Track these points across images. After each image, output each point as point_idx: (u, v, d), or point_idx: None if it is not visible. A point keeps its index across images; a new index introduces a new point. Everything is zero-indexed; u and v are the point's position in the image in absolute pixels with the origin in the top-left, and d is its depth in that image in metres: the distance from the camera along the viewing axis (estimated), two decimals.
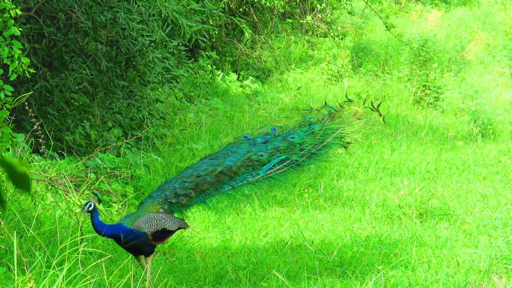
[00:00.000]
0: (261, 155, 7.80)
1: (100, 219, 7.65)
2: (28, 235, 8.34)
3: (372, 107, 8.27)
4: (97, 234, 7.66)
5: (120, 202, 10.15)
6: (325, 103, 8.50)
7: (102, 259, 7.71)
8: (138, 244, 7.56)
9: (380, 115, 8.31)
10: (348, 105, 8.30)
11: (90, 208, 7.58)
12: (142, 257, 7.72)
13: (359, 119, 8.28)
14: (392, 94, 18.85)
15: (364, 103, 8.31)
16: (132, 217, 7.64)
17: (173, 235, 8.10)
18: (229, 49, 19.46)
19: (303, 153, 7.97)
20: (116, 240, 7.61)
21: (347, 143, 8.22)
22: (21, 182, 3.24)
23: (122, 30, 11.57)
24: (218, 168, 7.75)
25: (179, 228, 7.65)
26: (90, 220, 7.95)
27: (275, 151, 7.83)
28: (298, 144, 7.94)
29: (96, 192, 8.12)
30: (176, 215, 7.76)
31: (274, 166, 7.77)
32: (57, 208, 9.13)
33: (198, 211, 10.63)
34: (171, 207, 7.72)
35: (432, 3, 29.03)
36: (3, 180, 8.53)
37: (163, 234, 7.59)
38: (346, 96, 8.47)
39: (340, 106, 8.28)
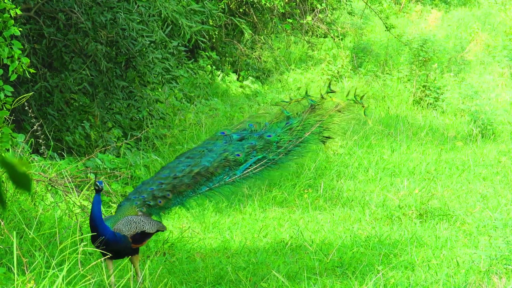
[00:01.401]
0: (238, 155, 7.68)
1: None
2: (29, 236, 8.34)
3: (355, 99, 7.95)
4: (91, 215, 7.50)
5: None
6: (306, 93, 8.18)
7: (102, 259, 7.70)
8: (119, 247, 7.50)
9: (363, 106, 7.93)
10: (331, 97, 7.97)
11: (102, 186, 7.48)
12: (136, 257, 7.65)
13: (340, 111, 7.98)
14: (392, 94, 18.85)
15: (347, 95, 8.00)
16: (112, 220, 7.59)
17: (167, 237, 8.08)
18: (229, 49, 19.46)
19: (280, 150, 7.77)
20: (96, 238, 7.51)
21: (326, 137, 7.94)
22: (22, 181, 3.24)
23: (122, 30, 11.57)
24: (195, 169, 7.65)
25: (157, 231, 7.59)
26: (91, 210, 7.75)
27: (251, 150, 7.69)
28: (274, 142, 7.76)
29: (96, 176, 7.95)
30: (154, 217, 7.71)
31: (251, 165, 7.65)
32: (57, 209, 9.13)
33: (199, 211, 10.63)
34: (149, 210, 7.67)
35: (432, 4, 29.03)
36: (3, 181, 8.53)
37: (142, 237, 7.53)
38: (329, 87, 8.07)
39: (322, 97, 7.98)
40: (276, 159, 7.76)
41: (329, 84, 8.22)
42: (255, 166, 7.68)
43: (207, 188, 7.68)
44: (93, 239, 7.53)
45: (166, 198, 7.70)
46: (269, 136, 7.82)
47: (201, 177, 7.66)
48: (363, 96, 8.00)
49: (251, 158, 7.70)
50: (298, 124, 7.82)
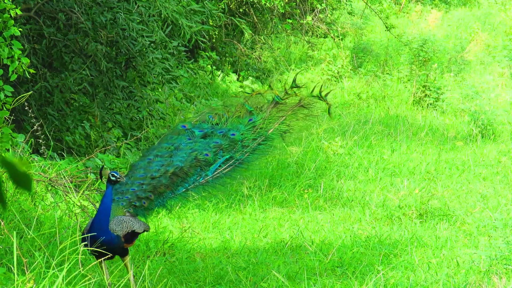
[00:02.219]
0: (207, 155, 7.61)
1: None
2: (29, 236, 8.34)
3: (319, 96, 7.81)
4: (101, 207, 7.39)
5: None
6: (270, 86, 7.99)
7: (102, 259, 7.70)
8: (114, 247, 7.47)
9: (327, 104, 7.78)
10: (295, 92, 7.82)
11: (116, 177, 7.36)
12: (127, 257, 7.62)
13: (303, 106, 7.85)
14: (392, 94, 18.85)
15: (312, 91, 7.85)
16: None
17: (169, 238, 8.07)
18: (229, 49, 19.46)
19: (246, 150, 7.69)
20: (96, 238, 7.44)
21: (284, 132, 7.80)
22: (22, 181, 3.24)
23: (122, 30, 11.58)
24: (170, 169, 7.60)
25: (144, 231, 7.57)
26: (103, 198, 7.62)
27: (218, 150, 7.62)
28: (239, 141, 7.67)
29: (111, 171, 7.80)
30: (140, 218, 7.70)
31: (220, 166, 7.58)
32: (57, 209, 9.13)
33: (198, 211, 10.63)
34: (136, 210, 7.64)
35: (432, 4, 29.03)
36: (3, 181, 8.52)
37: (132, 237, 7.50)
38: (294, 81, 7.87)
39: (286, 92, 7.83)
40: (243, 158, 7.69)
41: (295, 78, 8.01)
42: (225, 167, 7.62)
43: (184, 189, 7.66)
44: (92, 240, 7.45)
45: (149, 199, 7.66)
46: (233, 134, 7.73)
47: (177, 178, 7.60)
48: (328, 93, 7.85)
49: (219, 158, 7.63)
50: (261, 122, 7.70)
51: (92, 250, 7.45)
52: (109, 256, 7.52)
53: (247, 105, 7.78)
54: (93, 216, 7.60)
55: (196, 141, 7.66)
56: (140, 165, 7.78)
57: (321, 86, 8.07)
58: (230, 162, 7.63)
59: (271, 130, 7.69)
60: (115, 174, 7.40)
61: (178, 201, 7.80)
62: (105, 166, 7.59)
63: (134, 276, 7.69)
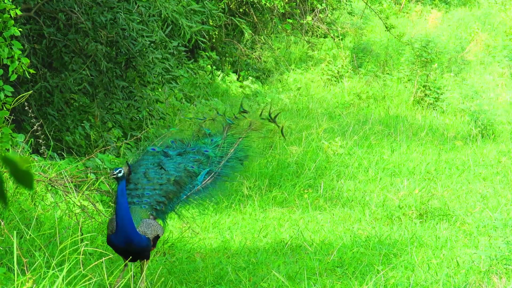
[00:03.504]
0: (192, 167, 7.87)
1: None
2: (28, 237, 8.34)
3: (269, 118, 8.02)
4: (115, 203, 7.36)
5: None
6: (217, 112, 8.27)
7: (103, 259, 7.70)
8: (142, 250, 7.48)
9: (278, 126, 7.99)
10: (244, 116, 8.08)
11: (119, 175, 7.38)
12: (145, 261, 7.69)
13: (255, 130, 8.11)
14: (392, 94, 18.85)
15: (260, 114, 8.07)
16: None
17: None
18: (229, 49, 19.46)
19: (220, 165, 8.00)
20: (123, 240, 7.42)
21: (245, 156, 8.08)
22: (24, 179, 3.24)
23: (122, 30, 11.58)
24: (171, 177, 7.82)
25: (159, 237, 7.68)
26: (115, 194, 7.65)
27: (199, 163, 7.91)
28: (213, 157, 7.97)
29: (129, 162, 7.85)
30: (159, 221, 7.80)
31: (204, 177, 7.86)
32: (57, 209, 9.13)
33: (198, 212, 10.63)
34: (157, 214, 7.77)
35: (432, 4, 29.03)
36: (3, 180, 8.51)
37: (155, 241, 7.60)
38: (241, 107, 8.17)
39: (235, 117, 8.11)
40: (219, 171, 7.99)
41: (241, 104, 8.44)
42: (208, 178, 7.91)
43: (185, 196, 7.89)
44: (119, 241, 7.39)
45: (164, 204, 7.81)
46: (206, 151, 8.02)
47: (179, 185, 7.82)
48: (276, 115, 8.05)
49: (202, 170, 7.90)
50: (222, 142, 7.99)
51: (122, 251, 7.42)
52: (131, 259, 7.52)
53: (205, 129, 8.10)
54: (113, 216, 7.56)
55: (174, 158, 7.92)
56: (137, 176, 7.88)
57: (270, 108, 8.34)
58: (211, 175, 7.91)
59: (232, 149, 7.96)
60: (114, 171, 7.42)
61: (184, 206, 7.99)
62: (128, 163, 7.71)
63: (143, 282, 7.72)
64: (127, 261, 7.50)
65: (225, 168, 7.99)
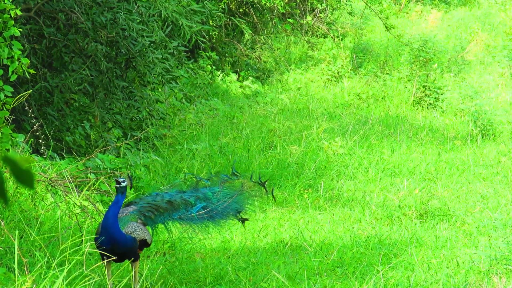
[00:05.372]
0: (189, 197, 8.28)
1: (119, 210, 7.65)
2: (31, 238, 8.34)
3: (259, 182, 8.40)
4: (104, 220, 7.58)
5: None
6: (211, 174, 8.80)
7: (105, 262, 7.70)
8: (128, 249, 7.62)
9: (266, 191, 8.42)
10: (236, 178, 8.47)
11: (123, 184, 7.63)
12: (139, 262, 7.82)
13: (245, 191, 8.51)
14: (392, 94, 18.86)
15: (251, 178, 8.44)
16: (120, 223, 7.70)
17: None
18: (229, 49, 19.46)
19: (217, 204, 8.37)
20: (109, 242, 7.57)
21: (244, 218, 8.44)
22: (25, 178, 3.24)
23: (122, 30, 11.58)
24: (165, 198, 8.21)
25: (149, 244, 7.83)
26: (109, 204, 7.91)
27: (197, 198, 8.34)
28: (210, 197, 8.39)
29: (131, 175, 8.09)
30: (148, 228, 7.97)
31: (200, 209, 8.24)
32: (57, 209, 9.13)
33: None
34: (146, 220, 8.00)
35: (432, 4, 29.03)
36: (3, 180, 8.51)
37: (142, 245, 7.75)
38: (233, 169, 8.58)
39: (228, 177, 8.50)
40: (218, 210, 8.36)
41: (233, 165, 9.38)
42: (204, 211, 8.28)
43: (178, 216, 8.21)
44: (104, 242, 7.57)
45: (153, 213, 8.08)
46: (204, 191, 8.46)
47: (171, 205, 8.17)
48: (266, 180, 8.58)
49: (198, 203, 8.30)
50: (220, 190, 8.43)
51: (110, 252, 7.56)
52: (117, 259, 7.61)
53: (204, 180, 8.56)
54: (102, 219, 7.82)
55: (173, 193, 8.39)
56: (138, 203, 8.29)
57: (259, 173, 8.84)
58: (207, 210, 8.29)
59: (229, 201, 8.37)
60: (120, 179, 7.69)
61: (175, 224, 8.30)
62: (130, 176, 7.99)
63: (138, 284, 7.78)
64: (109, 259, 7.59)
65: (222, 209, 8.36)
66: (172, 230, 8.27)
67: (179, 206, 8.15)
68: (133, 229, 7.71)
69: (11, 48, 8.64)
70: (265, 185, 8.41)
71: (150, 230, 8.05)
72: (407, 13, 27.69)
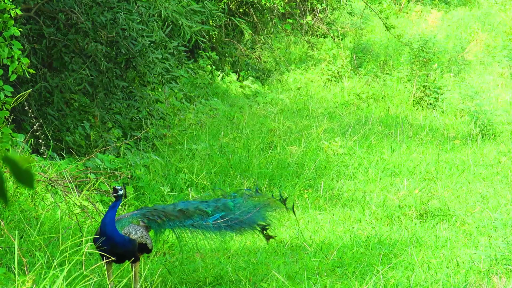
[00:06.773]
0: (207, 208, 8.40)
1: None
2: (31, 238, 8.34)
3: (281, 199, 8.56)
4: (102, 222, 7.68)
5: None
6: (237, 190, 9.01)
7: (104, 262, 7.70)
8: (126, 250, 7.68)
9: (287, 208, 8.59)
10: (260, 195, 8.69)
11: (120, 192, 7.77)
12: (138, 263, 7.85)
13: (269, 206, 8.66)
14: (392, 94, 18.86)
15: (272, 195, 8.63)
16: (119, 224, 7.77)
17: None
18: (229, 49, 19.46)
19: (238, 214, 8.49)
20: (107, 243, 7.63)
21: (270, 236, 8.58)
22: (25, 178, 3.24)
23: (122, 30, 11.58)
24: (177, 207, 8.31)
25: (150, 250, 7.87)
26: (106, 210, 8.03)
27: (216, 208, 8.46)
28: (231, 206, 8.52)
29: (125, 184, 8.22)
30: (151, 233, 8.01)
31: (217, 219, 8.35)
32: (57, 209, 9.13)
33: None
34: (149, 223, 8.06)
35: (432, 4, 29.03)
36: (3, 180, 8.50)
37: (142, 250, 7.80)
38: (257, 189, 8.76)
39: (252, 193, 8.68)
40: (238, 219, 8.46)
41: (256, 186, 9.84)
42: (222, 220, 8.39)
43: (191, 223, 8.27)
44: (101, 241, 7.64)
45: (161, 219, 8.14)
46: (226, 201, 8.60)
47: (183, 214, 8.24)
48: (286, 198, 8.68)
49: (217, 213, 8.42)
50: (243, 201, 8.59)
51: (109, 253, 7.62)
52: (116, 259, 7.65)
53: (231, 192, 8.88)
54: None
55: (189, 205, 8.51)
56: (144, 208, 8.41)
57: (280, 192, 9.40)
58: (226, 219, 8.39)
59: (251, 213, 8.51)
60: (117, 187, 7.80)
61: (185, 231, 8.34)
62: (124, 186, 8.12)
63: (138, 285, 7.81)
64: (109, 260, 7.64)
65: (243, 219, 8.46)
66: (181, 237, 8.32)
67: (191, 215, 8.23)
68: (133, 230, 7.75)
69: (11, 48, 8.64)
70: (285, 202, 8.54)
71: (154, 234, 8.11)
72: (407, 13, 27.69)
